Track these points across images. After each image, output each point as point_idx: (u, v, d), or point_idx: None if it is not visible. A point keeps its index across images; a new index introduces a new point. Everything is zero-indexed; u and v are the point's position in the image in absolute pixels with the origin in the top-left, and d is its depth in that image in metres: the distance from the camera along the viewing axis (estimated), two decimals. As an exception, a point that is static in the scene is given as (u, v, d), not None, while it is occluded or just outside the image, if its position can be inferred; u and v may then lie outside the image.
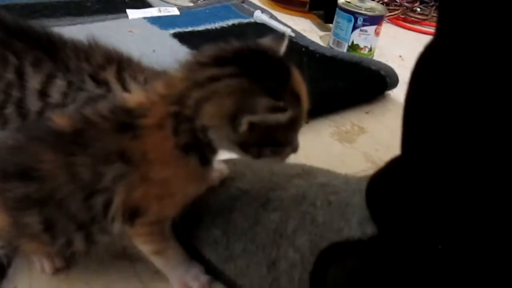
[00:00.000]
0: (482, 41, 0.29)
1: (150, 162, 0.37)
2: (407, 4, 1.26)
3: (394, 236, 0.37)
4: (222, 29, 1.00)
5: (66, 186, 0.38)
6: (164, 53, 0.83)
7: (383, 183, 0.39)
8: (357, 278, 0.38)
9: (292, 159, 0.43)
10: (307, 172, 0.49)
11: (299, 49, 0.96)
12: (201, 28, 0.98)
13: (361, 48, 0.98)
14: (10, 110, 0.50)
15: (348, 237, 0.39)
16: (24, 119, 0.50)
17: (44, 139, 0.39)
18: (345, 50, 0.99)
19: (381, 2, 1.21)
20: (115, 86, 0.49)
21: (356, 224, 0.39)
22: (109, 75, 0.50)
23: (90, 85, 0.49)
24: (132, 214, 0.39)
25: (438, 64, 0.33)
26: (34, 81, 0.49)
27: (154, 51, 0.85)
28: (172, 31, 0.96)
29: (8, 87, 0.49)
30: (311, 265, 0.41)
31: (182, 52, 0.88)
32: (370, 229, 0.38)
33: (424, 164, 0.35)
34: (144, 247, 0.44)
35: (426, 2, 1.27)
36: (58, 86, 0.49)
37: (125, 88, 0.49)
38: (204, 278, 0.46)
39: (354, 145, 0.74)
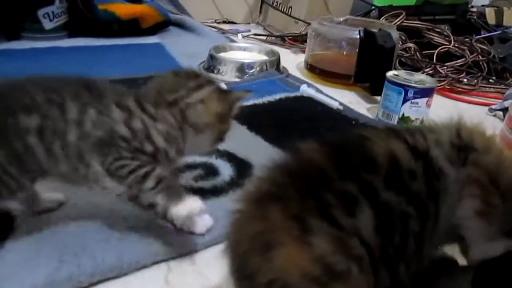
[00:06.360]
0: None
1: None
2: (452, 75, 1.24)
3: None
4: (270, 103, 1.00)
5: None
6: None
7: (492, 273, 0.35)
8: None
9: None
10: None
11: (349, 122, 0.94)
12: (249, 103, 0.98)
13: (413, 120, 0.96)
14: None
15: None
16: None
17: None
18: (395, 122, 0.97)
19: (426, 74, 1.20)
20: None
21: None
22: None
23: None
24: None
25: None
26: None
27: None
28: (220, 106, 0.97)
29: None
30: None
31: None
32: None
33: None
34: None
35: (473, 73, 1.25)
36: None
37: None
38: None
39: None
